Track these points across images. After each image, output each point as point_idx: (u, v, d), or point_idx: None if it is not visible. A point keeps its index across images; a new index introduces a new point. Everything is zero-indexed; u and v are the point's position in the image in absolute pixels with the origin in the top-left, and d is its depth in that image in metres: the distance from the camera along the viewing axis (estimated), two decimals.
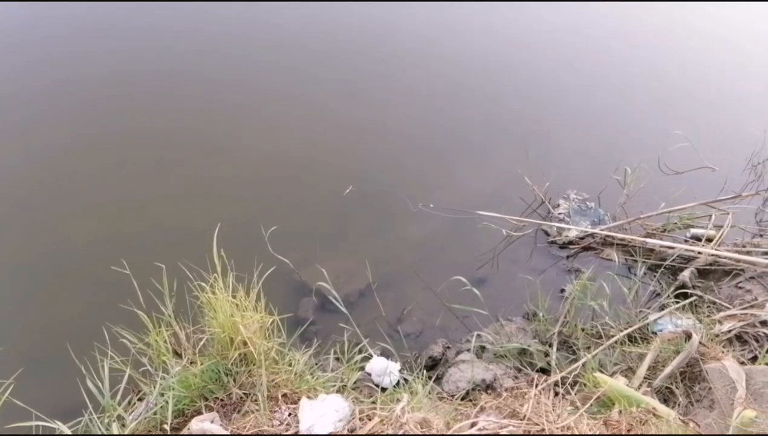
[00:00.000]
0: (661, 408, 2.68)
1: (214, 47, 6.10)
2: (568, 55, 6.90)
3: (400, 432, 2.30)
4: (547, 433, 2.26)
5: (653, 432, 2.34)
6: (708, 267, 4.20)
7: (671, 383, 3.02)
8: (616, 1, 8.06)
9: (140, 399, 2.87)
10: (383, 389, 3.19)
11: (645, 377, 3.10)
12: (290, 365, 2.98)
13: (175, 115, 5.25)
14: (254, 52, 6.13)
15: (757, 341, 3.35)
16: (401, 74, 6.14)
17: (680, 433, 2.40)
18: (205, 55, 5.97)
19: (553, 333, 3.66)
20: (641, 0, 8.09)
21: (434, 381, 3.33)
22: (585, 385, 2.98)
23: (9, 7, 6.47)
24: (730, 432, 2.44)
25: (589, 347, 3.48)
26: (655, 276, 4.16)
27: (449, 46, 6.74)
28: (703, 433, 2.49)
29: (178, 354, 2.96)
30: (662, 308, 3.79)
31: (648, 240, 4.41)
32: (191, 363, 2.86)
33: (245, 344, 2.82)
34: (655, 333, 3.50)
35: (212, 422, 2.59)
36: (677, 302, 3.83)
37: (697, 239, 4.51)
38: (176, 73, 5.70)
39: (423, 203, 4.64)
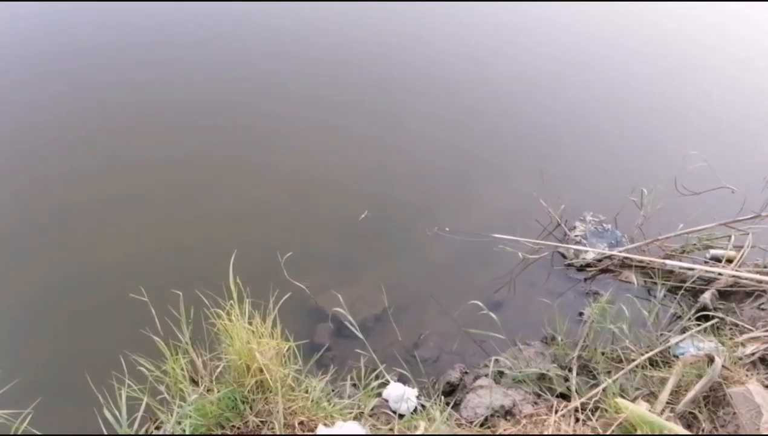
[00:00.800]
0: (686, 434, 2.61)
1: (234, 73, 6.20)
2: (585, 77, 6.91)
3: None
4: None
5: None
6: (729, 288, 4.13)
7: (694, 408, 2.95)
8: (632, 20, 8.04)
9: (157, 428, 2.86)
10: (401, 416, 3.15)
11: (667, 402, 3.03)
12: (307, 391, 2.96)
13: (193, 141, 5.33)
14: (272, 75, 6.22)
15: None
16: (416, 96, 6.19)
17: None
18: (225, 80, 6.07)
19: (573, 357, 3.60)
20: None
21: (452, 407, 3.28)
22: (606, 411, 2.92)
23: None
24: None
25: (609, 372, 3.42)
26: (675, 298, 4.09)
27: (466, 67, 6.79)
28: None
29: (195, 382, 2.95)
30: (683, 330, 3.72)
31: (667, 262, 4.36)
32: (208, 391, 2.85)
33: (261, 371, 2.81)
34: (677, 357, 3.43)
35: None
36: (698, 325, 3.76)
37: (717, 260, 4.45)
38: (196, 100, 5.80)
39: (438, 227, 4.63)
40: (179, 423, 2.69)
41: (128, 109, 5.61)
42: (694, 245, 4.61)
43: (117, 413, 2.66)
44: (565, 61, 7.13)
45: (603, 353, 3.58)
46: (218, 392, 2.78)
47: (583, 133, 6.03)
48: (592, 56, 7.36)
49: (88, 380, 2.80)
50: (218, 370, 2.91)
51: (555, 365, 3.64)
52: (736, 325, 3.76)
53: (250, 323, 2.86)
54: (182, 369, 2.84)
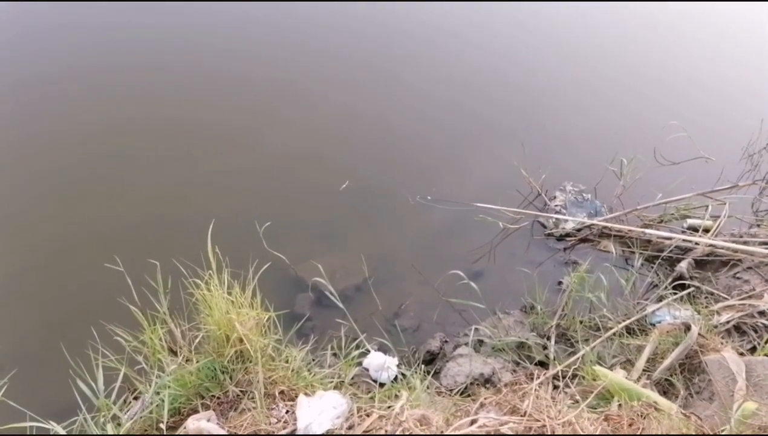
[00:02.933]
0: (662, 401, 2.65)
1: (214, 41, 6.05)
2: (564, 48, 6.85)
3: (399, 430, 2.26)
4: (549, 430, 2.23)
5: (654, 426, 2.31)
6: (705, 258, 4.18)
7: (671, 375, 3.00)
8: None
9: (136, 398, 2.84)
10: (381, 385, 3.16)
11: (644, 370, 3.08)
12: (287, 361, 2.95)
13: (172, 106, 5.20)
14: (252, 44, 6.08)
15: (756, 331, 3.33)
16: (396, 67, 6.09)
17: (682, 428, 2.37)
18: (205, 47, 5.92)
19: (551, 326, 3.63)
20: None
21: (432, 376, 3.31)
22: (584, 378, 2.96)
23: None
24: (731, 425, 2.42)
25: (587, 340, 3.46)
26: (652, 267, 4.14)
27: (447, 40, 6.68)
28: (704, 426, 2.47)
29: (173, 352, 2.92)
30: (660, 299, 3.77)
31: (645, 231, 4.39)
32: (187, 361, 2.83)
33: (241, 341, 2.79)
34: (654, 325, 3.48)
35: (208, 420, 2.56)
36: (675, 294, 3.81)
37: (694, 229, 4.50)
38: (177, 66, 5.66)
39: (420, 196, 4.60)
40: (158, 393, 2.66)
41: (108, 68, 5.47)
42: (672, 214, 4.66)
43: (93, 384, 2.62)
44: (545, 35, 7.06)
45: (581, 322, 3.62)
46: (197, 362, 2.76)
47: (564, 104, 6.00)
48: (572, 28, 7.30)
49: (63, 350, 2.76)
50: (197, 340, 2.90)
51: (534, 333, 3.67)
52: (712, 294, 3.82)
53: (229, 293, 2.83)
54: (160, 339, 2.81)
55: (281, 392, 2.74)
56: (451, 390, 3.17)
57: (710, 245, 4.13)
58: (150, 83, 5.40)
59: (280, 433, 2.50)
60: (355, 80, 5.85)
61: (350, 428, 2.48)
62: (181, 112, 5.13)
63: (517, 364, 3.41)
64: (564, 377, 3.00)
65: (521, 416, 2.32)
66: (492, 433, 2.19)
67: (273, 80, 5.66)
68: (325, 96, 5.51)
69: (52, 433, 2.47)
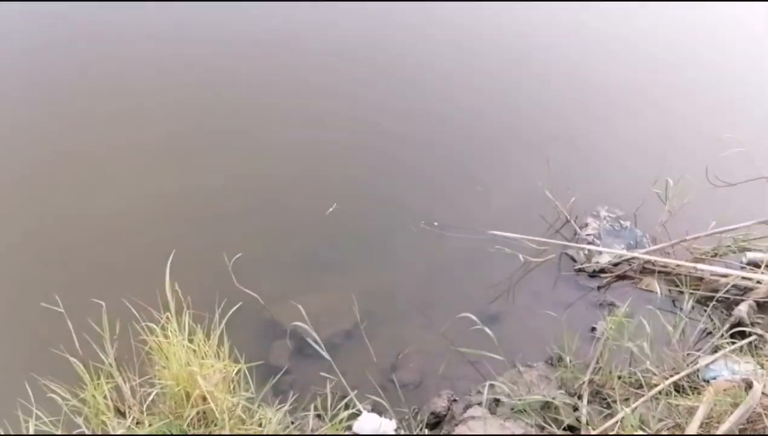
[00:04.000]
0: None
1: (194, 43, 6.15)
2: (596, 51, 6.94)
3: None
4: None
5: None
6: None
7: None
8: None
9: None
10: None
11: None
12: (260, 424, 2.95)
13: (134, 115, 5.27)
14: (229, 42, 6.16)
15: None
16: (400, 70, 6.17)
17: None
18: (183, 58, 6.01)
19: (583, 382, 3.62)
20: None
21: None
22: None
23: None
24: None
25: (627, 400, 3.44)
26: (705, 311, 4.13)
27: (458, 39, 6.77)
28: None
29: (121, 413, 2.93)
30: (715, 350, 3.76)
31: (697, 266, 4.40)
32: (137, 424, 2.84)
33: (204, 399, 2.80)
34: (708, 381, 3.46)
35: None
36: (733, 343, 3.80)
37: (756, 265, 4.49)
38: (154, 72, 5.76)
39: (425, 222, 4.61)
40: None
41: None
42: (729, 246, 4.66)
43: None
44: (573, 38, 7.14)
45: (620, 377, 3.60)
46: (150, 425, 2.75)
47: (597, 113, 6.05)
48: (602, 33, 7.38)
49: None
50: (150, 398, 2.90)
51: (562, 391, 3.65)
52: None
53: (190, 341, 2.84)
54: (105, 397, 2.81)
55: None
56: None
57: None
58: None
59: None
60: (349, 81, 5.91)
61: None
62: (141, 118, 5.19)
63: (542, 429, 3.38)
64: None
65: None
66: None
67: (252, 82, 5.73)
68: (311, 100, 5.57)
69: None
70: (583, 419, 3.38)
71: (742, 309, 4.04)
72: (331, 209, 4.59)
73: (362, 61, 6.15)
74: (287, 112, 5.49)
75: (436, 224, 4.63)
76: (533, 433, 3.33)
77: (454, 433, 3.36)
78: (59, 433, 2.76)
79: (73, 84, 5.46)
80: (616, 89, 6.39)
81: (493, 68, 6.41)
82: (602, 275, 4.58)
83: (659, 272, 4.49)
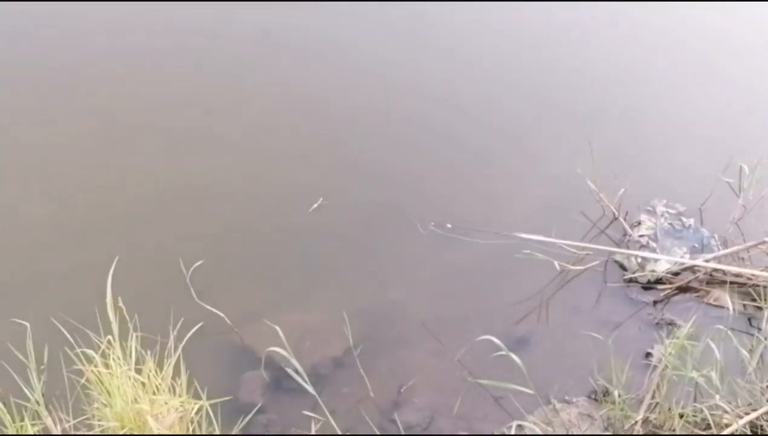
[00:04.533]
0: None
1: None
2: (653, 17, 6.96)
3: None
4: None
5: None
6: None
7: None
8: None
9: None
10: None
11: None
12: None
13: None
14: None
15: None
16: (415, 48, 6.21)
17: None
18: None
19: (636, 422, 3.61)
20: None
21: None
22: None
23: None
24: None
25: None
26: None
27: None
28: None
29: None
30: None
31: None
32: None
33: None
34: None
35: None
36: None
37: None
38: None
39: (436, 223, 4.60)
40: None
41: None
42: None
43: None
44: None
45: (681, 416, 3.60)
46: None
47: (653, 81, 6.05)
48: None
49: None
50: None
51: (609, 433, 3.65)
52: None
53: (138, 371, 2.82)
54: None
55: None
56: None
57: None
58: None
59: None
60: (347, 52, 5.97)
61: None
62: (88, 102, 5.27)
63: None
64: None
65: None
66: None
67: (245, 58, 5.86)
68: (296, 69, 5.63)
69: None
70: None
71: None
72: (316, 205, 4.59)
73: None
74: (265, 85, 5.52)
75: (449, 226, 4.61)
76: None
77: None
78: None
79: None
80: (676, 52, 6.40)
81: (522, 29, 6.42)
82: (659, 287, 4.58)
83: (731, 282, 4.49)
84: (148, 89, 5.48)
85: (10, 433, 2.78)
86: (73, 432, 2.97)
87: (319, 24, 6.23)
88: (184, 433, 2.87)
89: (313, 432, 3.34)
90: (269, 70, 5.83)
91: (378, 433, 3.52)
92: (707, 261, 4.57)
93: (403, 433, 3.60)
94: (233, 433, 3.15)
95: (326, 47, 6.02)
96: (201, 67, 5.85)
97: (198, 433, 2.94)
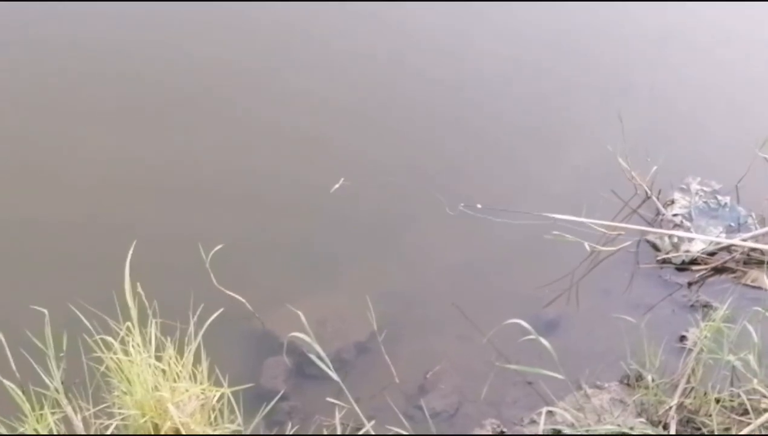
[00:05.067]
0: None
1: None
2: None
3: None
4: None
5: None
6: None
7: None
8: None
9: None
10: None
11: None
12: None
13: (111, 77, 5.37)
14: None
15: None
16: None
17: None
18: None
19: (670, 407, 3.59)
20: None
21: None
22: None
23: None
24: None
25: (728, 429, 3.41)
26: None
27: None
28: None
29: None
30: None
31: None
32: None
33: (178, 432, 2.78)
34: None
35: None
36: None
37: None
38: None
39: (465, 203, 4.58)
40: None
41: None
42: None
43: None
44: None
45: (718, 400, 3.56)
46: None
47: (685, 52, 5.98)
48: None
49: None
50: (109, 431, 2.89)
51: (643, 419, 3.63)
52: None
53: (158, 358, 2.83)
54: (51, 431, 2.81)
55: None
56: None
57: None
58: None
59: None
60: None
61: None
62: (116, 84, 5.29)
63: None
64: None
65: None
66: None
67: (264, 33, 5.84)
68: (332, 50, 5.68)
69: None
70: None
71: None
72: (337, 186, 4.58)
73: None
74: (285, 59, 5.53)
75: (479, 206, 4.57)
76: None
77: None
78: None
79: None
80: (709, 21, 6.32)
81: (548, 6, 6.37)
82: (694, 268, 4.55)
83: None
84: (165, 74, 5.48)
85: (30, 421, 2.80)
86: (93, 420, 2.98)
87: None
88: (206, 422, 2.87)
89: (336, 420, 3.34)
90: (291, 51, 5.82)
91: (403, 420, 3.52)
92: (744, 240, 4.53)
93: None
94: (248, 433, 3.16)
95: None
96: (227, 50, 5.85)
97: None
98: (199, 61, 5.48)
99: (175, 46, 5.61)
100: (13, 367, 2.86)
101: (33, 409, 2.80)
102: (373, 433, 3.27)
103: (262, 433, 3.28)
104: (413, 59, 5.78)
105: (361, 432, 3.23)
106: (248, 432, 3.07)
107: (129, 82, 5.28)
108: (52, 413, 2.83)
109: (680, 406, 3.61)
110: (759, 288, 4.23)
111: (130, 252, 2.95)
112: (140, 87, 5.26)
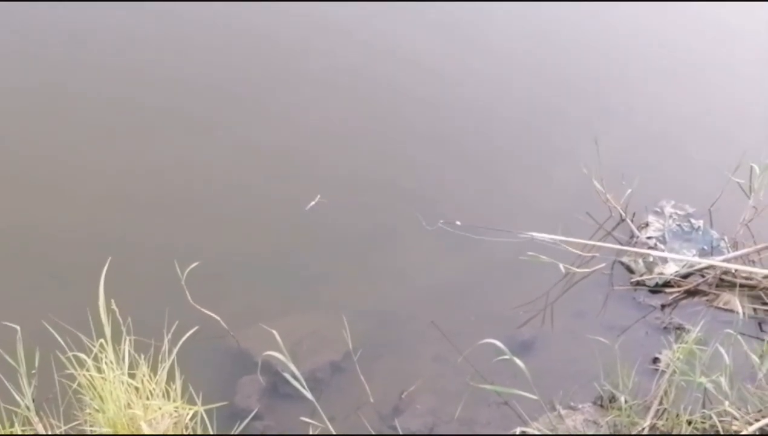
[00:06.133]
0: None
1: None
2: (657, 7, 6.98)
3: None
4: None
5: None
6: None
7: None
8: None
9: None
10: None
11: None
12: None
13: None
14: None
15: None
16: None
17: None
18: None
19: (643, 428, 3.61)
20: None
21: None
22: None
23: None
24: None
25: None
26: None
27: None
28: None
29: None
30: None
31: None
32: None
33: None
34: None
35: None
36: None
37: None
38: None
39: (444, 220, 4.58)
40: None
41: None
42: None
43: None
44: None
45: (689, 422, 3.59)
46: None
47: (660, 78, 6.05)
48: None
49: None
50: None
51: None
52: None
53: (131, 376, 2.82)
54: None
55: None
56: None
57: None
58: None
59: None
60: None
61: None
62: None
63: None
64: None
65: None
66: None
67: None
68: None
69: None
70: None
71: None
72: (313, 203, 4.58)
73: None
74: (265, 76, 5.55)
75: (458, 223, 4.58)
76: None
77: None
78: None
79: None
80: (682, 50, 6.40)
81: (527, 26, 6.43)
82: (667, 290, 4.57)
83: (741, 285, 4.49)
84: (146, 87, 5.47)
85: None
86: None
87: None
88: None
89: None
90: (275, 63, 5.87)
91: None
92: (717, 262, 4.55)
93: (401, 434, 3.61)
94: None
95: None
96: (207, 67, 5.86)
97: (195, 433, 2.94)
98: (179, 78, 5.47)
99: (157, 63, 5.60)
100: None
101: (3, 426, 2.78)
102: None
103: None
104: (395, 78, 5.79)
105: None
106: None
107: (107, 98, 5.25)
108: (23, 431, 2.82)
109: (653, 427, 3.64)
110: (731, 311, 4.26)
111: (105, 268, 2.94)
112: (119, 104, 5.23)
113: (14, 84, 5.23)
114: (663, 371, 3.88)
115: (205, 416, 2.95)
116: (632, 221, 4.89)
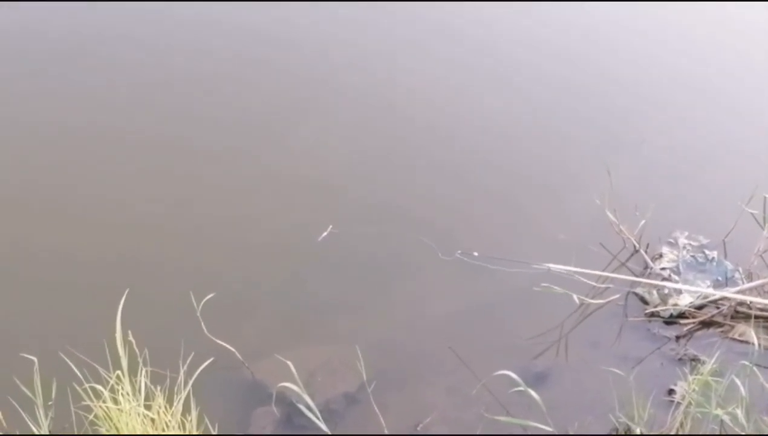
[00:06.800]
0: None
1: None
2: (671, 39, 7.00)
3: None
4: None
5: None
6: None
7: None
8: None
9: None
10: None
11: None
12: None
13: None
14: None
15: None
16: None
17: None
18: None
19: None
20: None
21: None
22: None
23: None
24: None
25: None
26: None
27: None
28: None
29: None
30: None
31: None
32: None
33: None
34: None
35: None
36: None
37: None
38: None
39: (462, 251, 4.59)
40: None
41: None
42: None
43: None
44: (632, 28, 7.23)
45: None
46: None
47: (671, 110, 6.06)
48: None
49: None
50: None
51: None
52: None
53: (147, 407, 2.82)
54: None
55: None
56: None
57: None
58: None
59: None
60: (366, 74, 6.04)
61: None
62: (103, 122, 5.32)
63: None
64: None
65: None
66: None
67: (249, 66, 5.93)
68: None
69: None
70: None
71: None
72: (325, 234, 4.59)
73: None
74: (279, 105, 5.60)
75: (476, 254, 4.58)
76: None
77: None
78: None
79: None
80: (697, 81, 6.41)
81: (541, 56, 6.47)
82: (682, 321, 4.55)
83: (757, 316, 4.46)
84: (158, 121, 5.52)
85: None
86: None
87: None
88: None
89: None
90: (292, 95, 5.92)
91: None
92: (732, 294, 4.54)
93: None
94: None
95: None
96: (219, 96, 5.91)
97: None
98: (200, 110, 5.53)
99: (180, 95, 5.68)
100: (0, 416, 2.84)
101: None
102: None
103: None
104: (408, 107, 5.84)
105: None
106: None
107: (118, 128, 5.31)
108: None
109: None
110: (746, 342, 4.23)
111: (122, 301, 2.95)
112: (131, 132, 5.29)
113: (45, 118, 5.30)
114: (678, 403, 3.86)
115: None
116: (646, 251, 4.88)
